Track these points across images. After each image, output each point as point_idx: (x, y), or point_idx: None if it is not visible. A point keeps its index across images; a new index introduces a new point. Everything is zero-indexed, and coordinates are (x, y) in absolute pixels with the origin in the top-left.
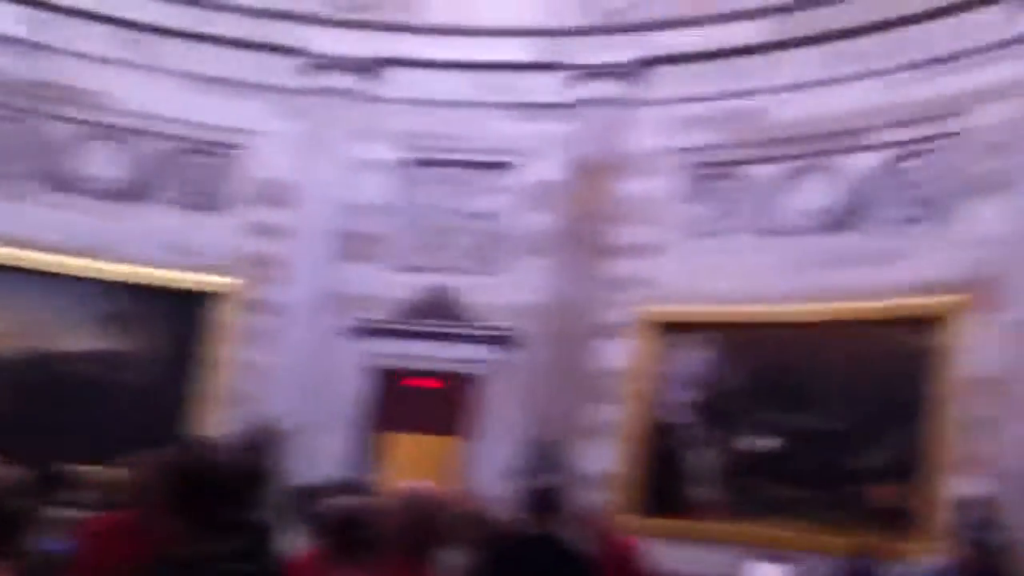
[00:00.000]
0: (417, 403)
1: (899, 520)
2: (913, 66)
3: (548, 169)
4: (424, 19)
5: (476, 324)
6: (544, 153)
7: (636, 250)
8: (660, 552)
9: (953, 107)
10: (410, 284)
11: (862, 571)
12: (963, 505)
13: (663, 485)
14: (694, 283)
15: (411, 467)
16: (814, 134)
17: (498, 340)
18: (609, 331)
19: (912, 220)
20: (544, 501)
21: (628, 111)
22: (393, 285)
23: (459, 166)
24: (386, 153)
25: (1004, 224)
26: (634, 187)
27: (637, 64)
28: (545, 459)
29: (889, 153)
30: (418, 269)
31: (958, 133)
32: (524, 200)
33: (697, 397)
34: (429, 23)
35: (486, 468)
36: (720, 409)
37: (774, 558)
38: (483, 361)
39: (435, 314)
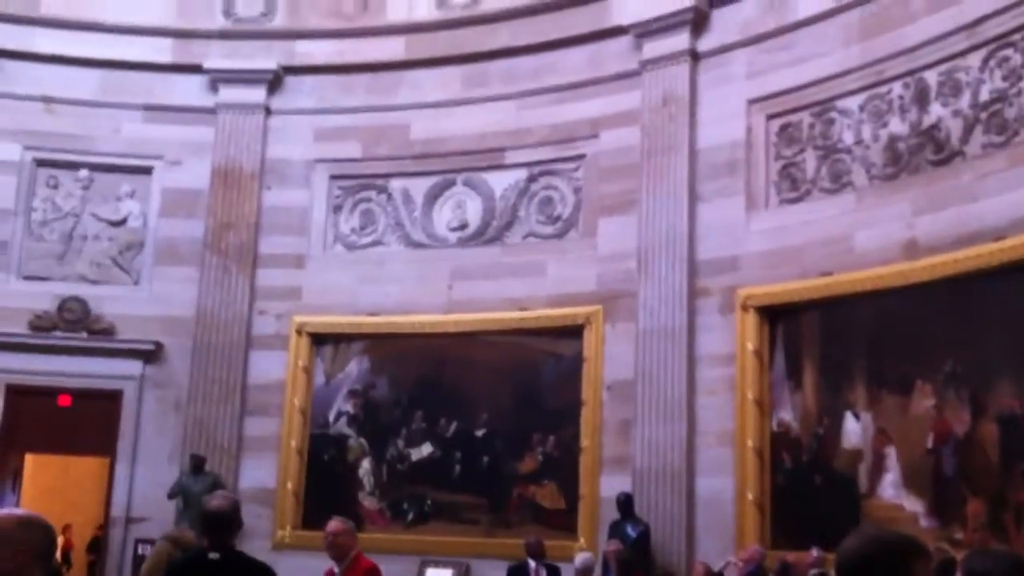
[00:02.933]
0: (50, 421)
1: (562, 519)
2: (545, 91)
3: (189, 175)
4: (46, 11)
5: (114, 337)
6: (184, 159)
7: (284, 260)
8: (325, 565)
9: (581, 131)
10: (36, 294)
11: (527, 572)
12: (613, 502)
13: (324, 497)
14: (343, 294)
15: (56, 487)
16: (455, 151)
17: (141, 354)
18: (261, 343)
19: (548, 236)
20: (220, 521)
21: (271, 119)
22: (17, 295)
23: (90, 169)
24: (5, 153)
25: (631, 240)
26: (279, 197)
27: (279, 72)
28: (200, 477)
29: (525, 172)
30: (45, 278)
31: (584, 156)
32: (164, 206)
33: (354, 408)
34: (52, 15)
35: (139, 486)
36: (377, 419)
37: (445, 564)
38: (125, 376)
39: (66, 326)
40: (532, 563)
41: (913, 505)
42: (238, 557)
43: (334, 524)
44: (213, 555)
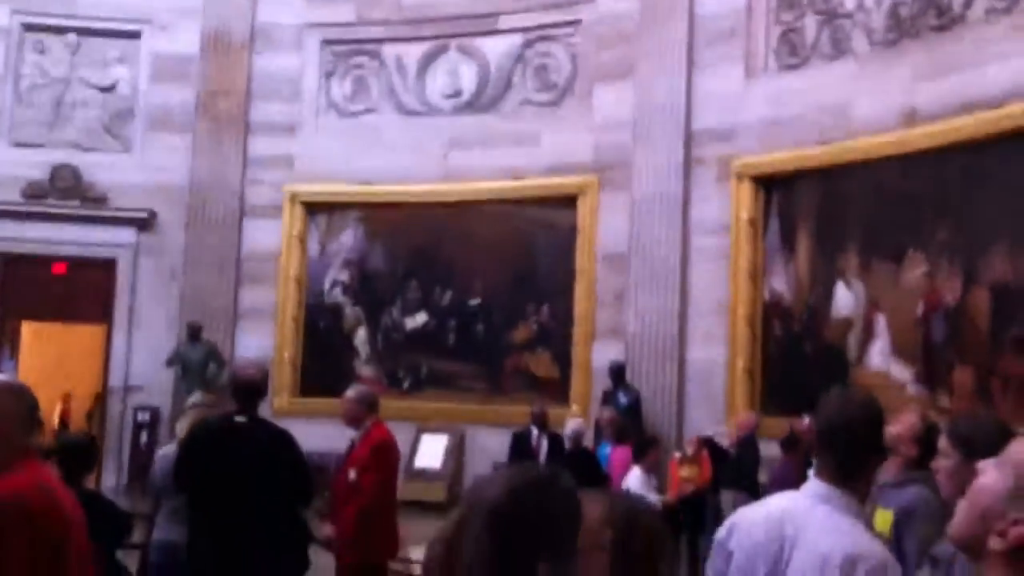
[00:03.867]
0: (46, 289)
1: (555, 388)
2: None
3: (180, 41)
4: None
5: (107, 205)
6: (175, 24)
7: (276, 128)
8: (321, 431)
9: None
10: (27, 162)
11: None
12: (606, 371)
13: (320, 365)
14: (336, 162)
15: (55, 356)
16: (448, 16)
17: (134, 222)
18: (254, 211)
19: (544, 104)
20: (249, 388)
21: None
22: (8, 163)
23: (79, 33)
24: None
25: (628, 109)
26: (270, 63)
27: None
28: (197, 345)
29: (520, 38)
30: (36, 145)
31: (581, 21)
32: (155, 73)
33: (349, 277)
34: None
35: (136, 355)
36: (372, 288)
37: (440, 431)
38: (118, 244)
39: (58, 195)
40: (535, 431)
41: (901, 373)
42: (262, 422)
43: (347, 392)
44: (240, 419)
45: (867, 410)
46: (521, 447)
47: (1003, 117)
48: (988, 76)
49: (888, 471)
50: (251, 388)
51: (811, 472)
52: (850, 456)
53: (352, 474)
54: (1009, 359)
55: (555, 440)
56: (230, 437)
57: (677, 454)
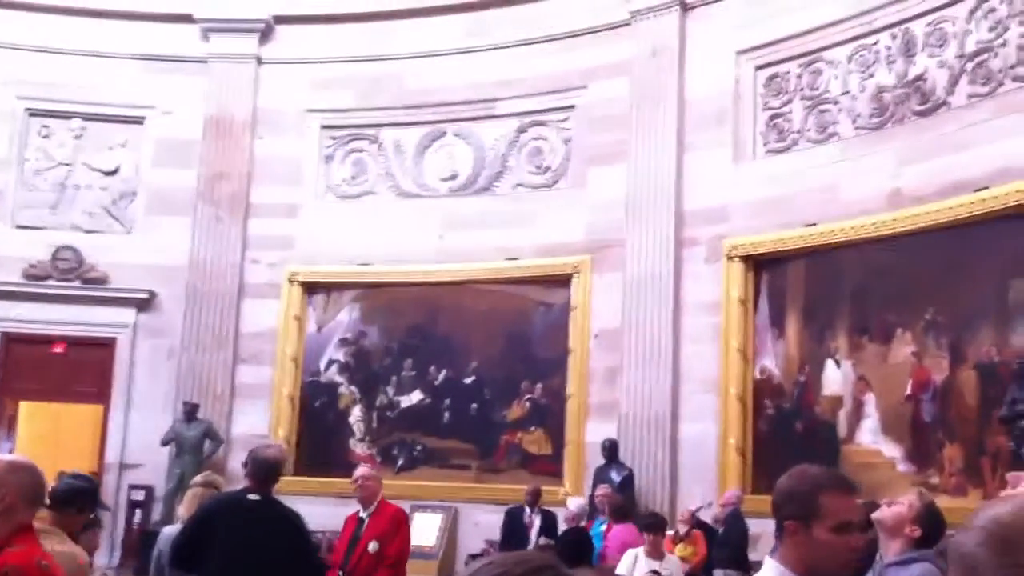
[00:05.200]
0: (45, 369)
1: (548, 465)
2: (536, 41)
3: (182, 125)
4: None
5: (108, 286)
6: (178, 108)
7: (277, 210)
8: (319, 510)
9: (572, 81)
10: (29, 243)
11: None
12: (599, 448)
13: (317, 444)
14: (334, 244)
15: (51, 434)
16: (446, 102)
17: (134, 302)
18: (254, 292)
19: (538, 186)
20: (270, 469)
21: (263, 68)
22: (11, 244)
23: (84, 118)
24: None
25: (620, 190)
26: (272, 147)
27: (271, 21)
28: (193, 423)
29: (515, 122)
30: (39, 228)
31: (574, 106)
32: (158, 156)
33: (345, 356)
34: None
35: (132, 434)
36: (367, 367)
37: (434, 509)
38: (118, 324)
39: (60, 275)
40: (528, 509)
41: (891, 450)
42: (274, 502)
43: (363, 469)
44: (253, 497)
45: (790, 479)
46: (514, 525)
47: (986, 199)
48: (971, 159)
49: (892, 550)
50: (271, 468)
51: None
52: (778, 527)
53: (373, 546)
54: (997, 436)
55: (548, 517)
56: (244, 515)
57: (671, 532)
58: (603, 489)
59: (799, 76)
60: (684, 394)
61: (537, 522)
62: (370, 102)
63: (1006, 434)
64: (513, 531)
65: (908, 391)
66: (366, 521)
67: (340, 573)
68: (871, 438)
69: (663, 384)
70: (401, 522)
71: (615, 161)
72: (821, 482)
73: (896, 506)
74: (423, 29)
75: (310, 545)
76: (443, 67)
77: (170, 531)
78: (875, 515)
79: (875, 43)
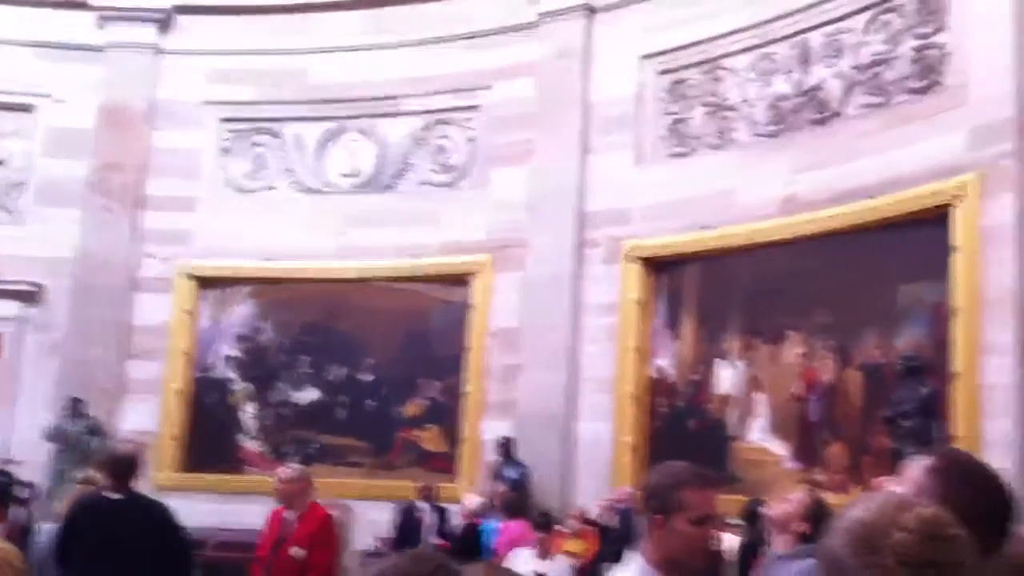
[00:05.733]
0: None
1: (444, 463)
2: (444, 40)
3: (75, 114)
4: None
5: None
6: (71, 97)
7: (172, 203)
8: (207, 507)
9: (478, 81)
10: None
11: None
12: (494, 446)
13: (207, 440)
14: (232, 238)
15: None
16: (349, 98)
17: (20, 295)
18: (148, 286)
19: (441, 184)
20: (124, 464)
21: (161, 59)
22: None
23: None
24: None
25: (523, 191)
26: (168, 138)
27: (171, 11)
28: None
29: (419, 121)
30: None
31: (479, 106)
32: (49, 146)
33: (239, 352)
34: None
35: (17, 430)
36: (262, 364)
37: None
38: (4, 318)
39: None
40: (423, 505)
41: (779, 448)
42: (137, 497)
43: (281, 471)
44: (115, 495)
45: (655, 475)
46: (406, 521)
47: (876, 207)
48: (863, 168)
49: (781, 545)
50: (126, 464)
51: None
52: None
53: (297, 551)
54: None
55: (441, 514)
56: (103, 513)
57: (562, 528)
58: (499, 487)
59: (701, 83)
60: (581, 393)
61: (430, 519)
62: (271, 96)
63: (888, 433)
64: (405, 528)
65: (796, 391)
66: (294, 524)
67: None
68: (760, 436)
69: (560, 383)
70: (331, 528)
71: (519, 162)
72: (682, 477)
73: (785, 503)
74: (327, 24)
75: (176, 538)
76: (347, 63)
77: (49, 528)
78: (765, 511)
79: (774, 53)
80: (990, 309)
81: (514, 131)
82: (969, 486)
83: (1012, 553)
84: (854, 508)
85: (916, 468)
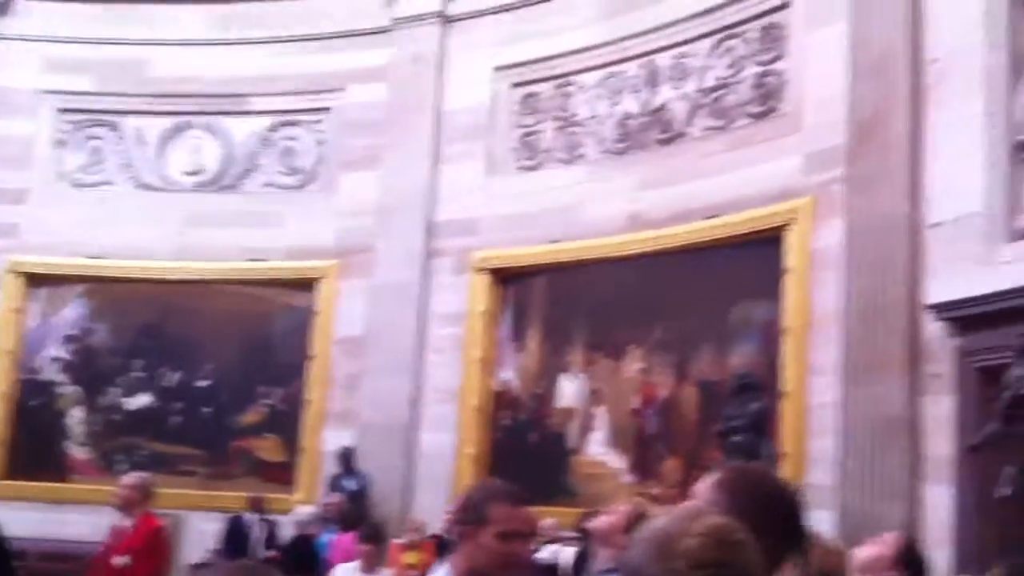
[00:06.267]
0: None
1: (281, 473)
2: (295, 40)
3: None
4: None
5: None
6: None
7: (2, 195)
8: (31, 515)
9: (329, 83)
10: None
11: (244, 525)
12: (335, 456)
13: (32, 446)
14: (65, 234)
15: None
16: (194, 93)
17: None
18: None
19: (288, 187)
20: None
21: None
22: None
23: None
24: None
25: (372, 197)
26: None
27: None
28: None
29: (267, 120)
30: None
31: (329, 108)
32: None
33: (69, 354)
34: None
35: None
36: (93, 366)
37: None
38: None
39: None
40: (250, 516)
41: (617, 461)
42: None
43: (124, 478)
44: None
45: (470, 490)
46: (235, 533)
47: (716, 226)
48: (704, 188)
49: (603, 559)
50: None
51: None
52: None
53: (121, 560)
54: (714, 451)
55: (270, 526)
56: None
57: (399, 540)
58: (333, 498)
59: (552, 97)
60: (425, 403)
61: (260, 530)
62: (112, 87)
63: (720, 448)
64: (234, 539)
65: (635, 405)
66: (126, 532)
67: None
68: (599, 450)
69: (404, 393)
70: (160, 538)
71: (368, 167)
72: (492, 493)
73: (609, 516)
74: (173, 16)
75: None
76: (193, 57)
77: None
78: (589, 525)
79: (623, 71)
80: (818, 330)
81: (365, 136)
82: (752, 498)
83: (817, 563)
84: (656, 521)
85: (705, 483)
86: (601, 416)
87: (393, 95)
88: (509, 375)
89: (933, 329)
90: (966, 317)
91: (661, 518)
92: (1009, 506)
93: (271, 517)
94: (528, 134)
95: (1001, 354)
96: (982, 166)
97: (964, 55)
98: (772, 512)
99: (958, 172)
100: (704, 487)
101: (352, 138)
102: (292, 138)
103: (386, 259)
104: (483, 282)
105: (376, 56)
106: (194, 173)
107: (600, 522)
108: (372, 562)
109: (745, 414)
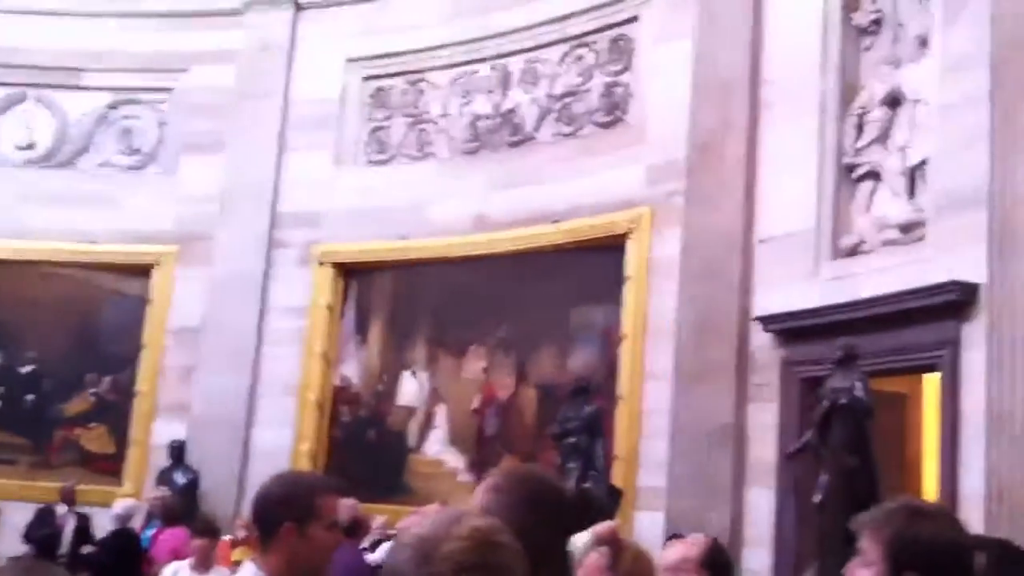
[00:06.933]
0: None
1: (109, 464)
2: (140, 15)
3: None
4: None
5: None
6: None
7: None
8: None
9: (173, 63)
10: None
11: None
12: (166, 449)
13: None
14: None
15: None
16: (29, 64)
17: None
18: None
19: (126, 168)
20: None
21: None
22: None
23: None
24: None
25: (215, 183)
26: None
27: None
28: None
29: (107, 97)
30: None
31: (172, 89)
32: None
33: None
34: None
35: None
36: None
37: None
38: None
39: None
40: (62, 508)
41: (455, 460)
42: None
43: None
44: None
45: (284, 485)
46: (45, 524)
47: (560, 232)
48: (550, 193)
49: None
50: None
51: None
52: (262, 528)
53: None
54: (549, 450)
55: (82, 519)
56: None
57: (228, 537)
58: (159, 492)
59: (404, 92)
60: (262, 397)
61: (72, 522)
62: None
63: (556, 449)
64: (44, 531)
65: (476, 405)
66: None
67: None
68: (438, 449)
69: (241, 386)
70: None
71: (212, 152)
72: (317, 485)
73: (418, 517)
74: None
75: None
76: (27, 27)
77: None
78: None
79: (476, 72)
80: (654, 336)
81: (210, 120)
82: (523, 500)
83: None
84: (417, 525)
85: (480, 488)
86: (441, 415)
87: (241, 80)
88: (351, 371)
89: (761, 340)
90: (790, 329)
91: (424, 523)
92: (823, 511)
93: (85, 511)
94: (378, 128)
95: (822, 366)
96: (811, 186)
97: (799, 80)
98: (542, 514)
99: (789, 191)
100: (480, 490)
101: (196, 121)
102: (132, 117)
103: (227, 248)
104: (327, 276)
105: (225, 38)
106: (26, 148)
107: (408, 523)
108: (204, 558)
109: (580, 416)
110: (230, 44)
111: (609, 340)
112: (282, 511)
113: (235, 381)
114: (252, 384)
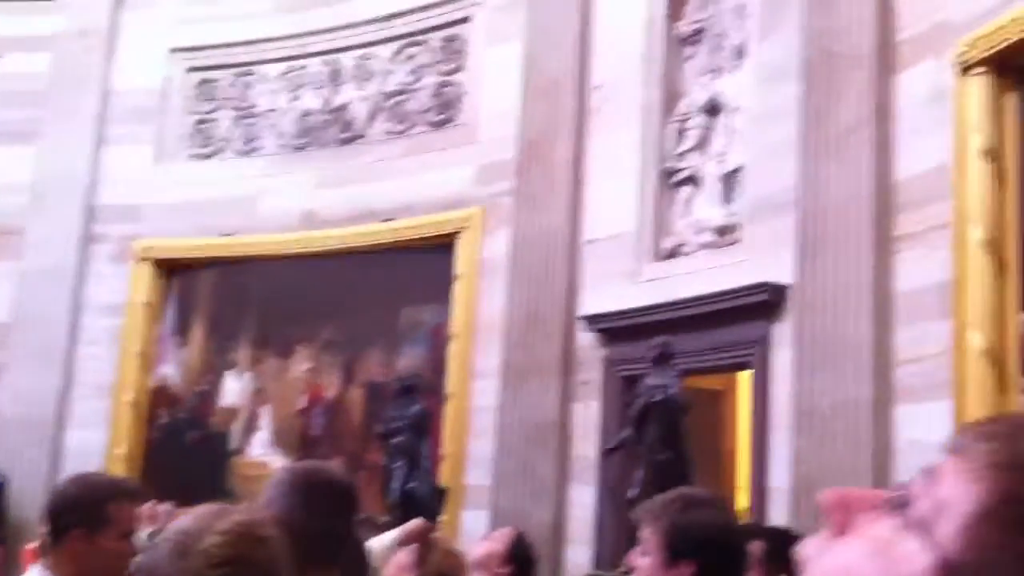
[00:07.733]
0: None
1: None
2: None
3: None
4: None
5: None
6: None
7: None
8: None
9: None
10: None
11: None
12: None
13: None
14: None
15: None
16: None
17: None
18: None
19: None
20: None
21: None
22: None
23: None
24: None
25: (26, 173)
26: None
27: None
28: None
29: None
30: None
31: None
32: None
33: None
34: None
35: None
36: None
37: None
38: None
39: None
40: None
41: (280, 463)
42: None
43: None
44: None
45: (76, 487)
46: None
47: (389, 230)
48: (381, 191)
49: None
50: None
51: None
52: (51, 531)
53: None
54: (375, 452)
55: None
56: None
57: (34, 544)
58: None
59: (231, 85)
60: (74, 398)
61: None
62: None
63: (382, 449)
64: None
65: (301, 405)
66: None
67: None
68: (262, 451)
69: (51, 386)
70: None
71: (23, 141)
72: (110, 491)
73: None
74: None
75: None
76: None
77: None
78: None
79: (305, 67)
80: (482, 335)
81: (21, 107)
82: (302, 495)
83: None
84: (180, 521)
85: (267, 482)
86: (266, 416)
87: (56, 67)
88: (170, 371)
89: (585, 339)
90: (612, 329)
91: (186, 519)
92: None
93: None
94: (203, 121)
95: (640, 364)
96: (634, 189)
97: (623, 85)
98: (316, 506)
99: (614, 193)
100: (267, 485)
101: (6, 109)
102: None
103: (38, 242)
104: (146, 272)
105: (40, 24)
106: None
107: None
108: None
109: (406, 416)
110: (45, 30)
111: (438, 339)
112: (72, 516)
113: (46, 381)
114: (65, 384)
